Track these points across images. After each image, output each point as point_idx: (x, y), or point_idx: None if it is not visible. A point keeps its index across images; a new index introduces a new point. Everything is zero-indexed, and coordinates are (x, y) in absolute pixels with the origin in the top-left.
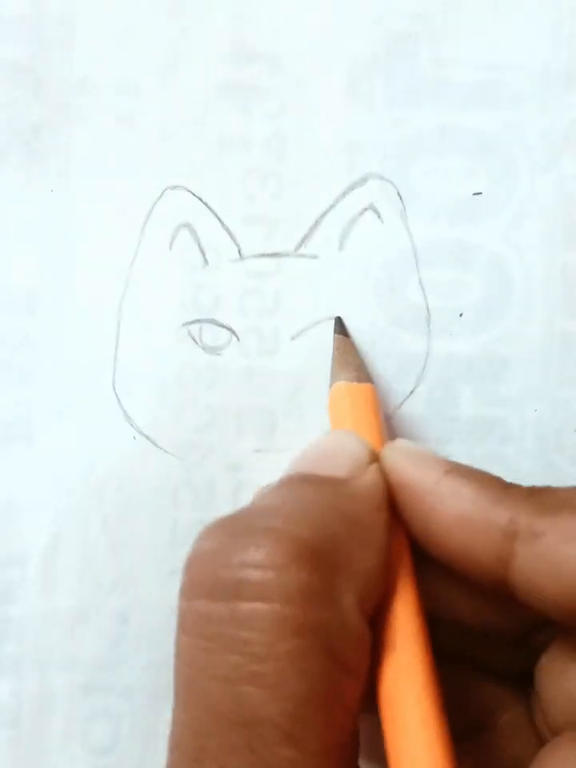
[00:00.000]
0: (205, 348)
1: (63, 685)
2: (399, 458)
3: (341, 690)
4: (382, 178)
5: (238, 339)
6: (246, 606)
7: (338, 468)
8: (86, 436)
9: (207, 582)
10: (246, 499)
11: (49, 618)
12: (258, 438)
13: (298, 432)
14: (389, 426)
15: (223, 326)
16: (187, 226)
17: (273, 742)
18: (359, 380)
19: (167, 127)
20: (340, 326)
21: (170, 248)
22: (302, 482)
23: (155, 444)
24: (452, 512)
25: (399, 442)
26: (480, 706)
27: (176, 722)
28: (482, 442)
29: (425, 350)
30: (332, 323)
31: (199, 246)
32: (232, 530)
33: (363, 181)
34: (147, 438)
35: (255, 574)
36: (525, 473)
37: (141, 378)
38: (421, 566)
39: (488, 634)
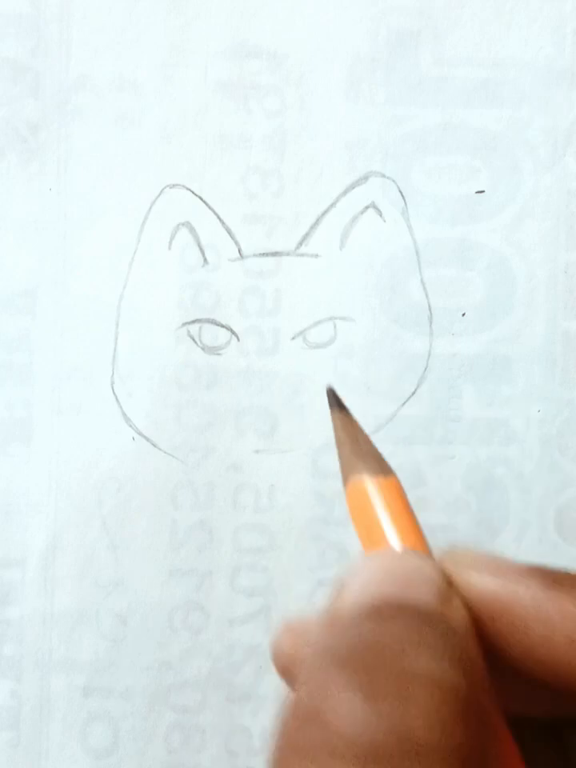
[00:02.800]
0: (204, 348)
1: (62, 686)
2: (486, 578)
3: None
4: (383, 176)
5: (238, 339)
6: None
7: (426, 595)
8: (85, 437)
9: (354, 742)
10: (246, 500)
11: (48, 620)
12: (258, 439)
13: (298, 432)
14: (389, 428)
15: (223, 326)
16: (186, 224)
17: None
18: (383, 472)
19: (166, 125)
20: (335, 399)
21: (169, 247)
22: (402, 613)
23: (155, 445)
24: (561, 632)
25: (467, 555)
26: None
27: None
28: (485, 443)
29: (427, 350)
30: (332, 324)
31: (199, 245)
32: (369, 671)
33: (364, 179)
34: (146, 438)
35: (422, 734)
36: (528, 473)
37: (140, 378)
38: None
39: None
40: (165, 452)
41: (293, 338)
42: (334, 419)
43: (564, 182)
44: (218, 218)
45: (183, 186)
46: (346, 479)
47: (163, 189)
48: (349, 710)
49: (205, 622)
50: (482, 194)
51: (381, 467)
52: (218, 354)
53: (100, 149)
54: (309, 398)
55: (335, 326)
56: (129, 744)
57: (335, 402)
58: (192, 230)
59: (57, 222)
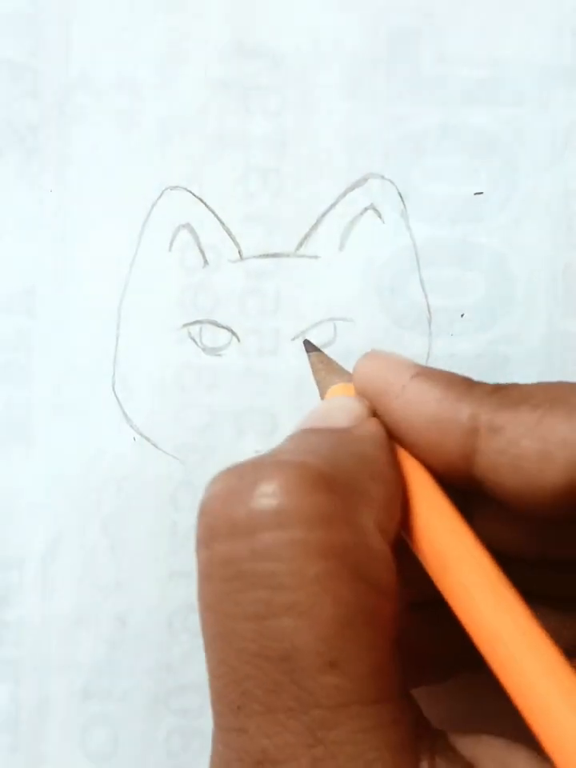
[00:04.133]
0: (205, 349)
1: (62, 689)
2: (369, 366)
3: (375, 611)
4: (382, 177)
5: (239, 340)
6: (267, 537)
7: (339, 422)
8: (85, 437)
9: (222, 524)
10: None
11: (47, 622)
12: (259, 439)
13: None
14: None
15: (223, 327)
16: (187, 226)
17: (315, 672)
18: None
19: (166, 126)
20: (311, 346)
21: (170, 248)
22: (305, 432)
23: (155, 445)
24: (419, 413)
25: (372, 352)
26: (566, 637)
27: (212, 676)
28: None
29: (426, 351)
30: (332, 325)
31: (199, 246)
32: (240, 471)
33: (364, 180)
34: (147, 439)
35: (271, 503)
36: None
37: (140, 379)
38: (473, 509)
39: (556, 562)
40: (165, 453)
41: (293, 339)
42: (310, 358)
43: (563, 183)
44: (219, 219)
45: (183, 187)
46: (322, 394)
47: (164, 190)
48: (218, 498)
49: None
50: (481, 194)
51: (348, 378)
52: (219, 355)
53: (100, 150)
54: (309, 398)
55: (335, 327)
56: (128, 747)
57: (311, 348)
58: (192, 231)
59: (57, 223)
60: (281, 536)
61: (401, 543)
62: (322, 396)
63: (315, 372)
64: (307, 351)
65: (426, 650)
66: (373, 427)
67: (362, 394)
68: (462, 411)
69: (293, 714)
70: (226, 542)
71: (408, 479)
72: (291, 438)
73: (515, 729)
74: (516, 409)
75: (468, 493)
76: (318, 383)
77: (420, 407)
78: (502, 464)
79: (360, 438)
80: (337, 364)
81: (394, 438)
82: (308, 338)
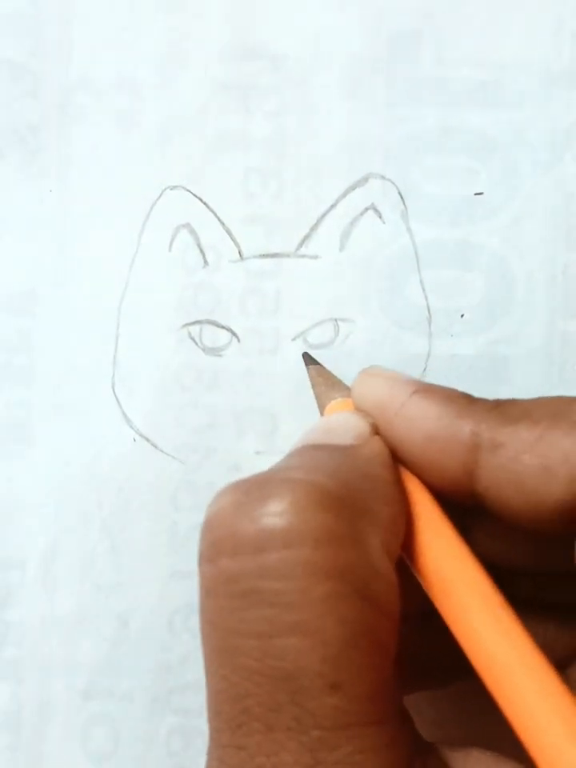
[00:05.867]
0: (205, 349)
1: (63, 689)
2: (368, 383)
3: (378, 632)
4: (383, 177)
5: (239, 340)
6: (273, 556)
7: (343, 439)
8: (85, 438)
9: (229, 540)
10: None
11: (48, 622)
12: (259, 440)
13: (298, 433)
14: None
15: (223, 327)
16: (187, 226)
17: (317, 692)
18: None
19: (166, 126)
20: (310, 359)
21: (170, 249)
22: (310, 449)
23: (155, 446)
24: (419, 430)
25: (371, 369)
26: (564, 645)
27: (212, 692)
28: None
29: (426, 351)
30: (333, 324)
31: (199, 246)
32: (246, 487)
33: (364, 180)
34: (147, 439)
35: (279, 522)
36: None
37: (140, 379)
38: (473, 524)
39: (554, 574)
40: (165, 453)
41: (293, 339)
42: (309, 372)
43: (563, 184)
44: (219, 219)
45: (183, 187)
46: (322, 408)
47: (164, 190)
48: (224, 515)
49: None
50: (481, 195)
51: (347, 393)
52: (219, 355)
53: (100, 150)
54: (309, 398)
55: (335, 327)
56: (129, 747)
57: (310, 361)
58: (192, 231)
59: (57, 224)
60: (288, 555)
61: (400, 558)
62: (321, 410)
63: (314, 386)
64: (306, 364)
65: (424, 657)
66: (377, 445)
67: (361, 411)
68: (463, 428)
69: (292, 734)
70: (232, 559)
71: (410, 498)
72: (295, 453)
73: (510, 738)
74: (516, 425)
75: (468, 507)
76: (317, 397)
77: (420, 424)
78: (503, 480)
79: (365, 456)
80: (336, 378)
81: (394, 456)
82: (307, 352)
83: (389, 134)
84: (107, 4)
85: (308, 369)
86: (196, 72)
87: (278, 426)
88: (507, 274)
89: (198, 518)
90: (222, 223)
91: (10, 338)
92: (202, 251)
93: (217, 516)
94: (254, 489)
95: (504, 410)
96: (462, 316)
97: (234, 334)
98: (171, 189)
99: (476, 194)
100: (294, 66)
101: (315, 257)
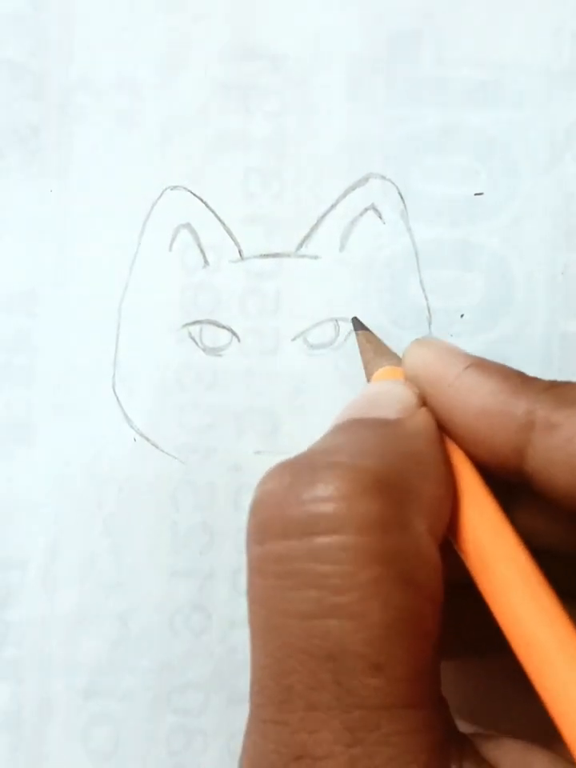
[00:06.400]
0: (205, 349)
1: (63, 689)
2: (422, 353)
3: (421, 616)
4: (383, 177)
5: (239, 340)
6: (322, 540)
7: (388, 411)
8: (86, 438)
9: (278, 522)
10: (247, 501)
11: (49, 622)
12: (259, 440)
13: (299, 433)
14: None
15: (224, 327)
16: (187, 226)
17: (359, 673)
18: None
19: (167, 126)
20: (359, 323)
21: (170, 248)
22: (355, 424)
23: (155, 446)
24: (472, 404)
25: (424, 339)
26: None
27: (256, 667)
28: None
29: None
30: (333, 324)
31: (199, 246)
32: (295, 469)
33: (364, 180)
34: (147, 439)
35: (328, 507)
36: None
37: (141, 379)
38: (518, 503)
39: None
40: (166, 453)
41: (293, 339)
42: (358, 337)
43: (563, 184)
44: (219, 219)
45: (184, 187)
46: (369, 375)
47: (164, 190)
48: (273, 497)
49: (206, 623)
50: (481, 195)
51: (396, 361)
52: (219, 355)
53: (101, 150)
54: (310, 398)
55: (335, 327)
56: (130, 747)
57: (360, 326)
58: (193, 231)
59: (57, 224)
60: (336, 540)
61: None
62: (369, 377)
63: (363, 352)
64: (355, 329)
65: (456, 627)
66: (424, 420)
67: (412, 380)
68: (518, 405)
69: (334, 712)
70: (281, 541)
71: (455, 474)
72: (341, 429)
73: (535, 717)
74: (573, 407)
75: (512, 485)
76: (365, 364)
77: (474, 398)
78: (555, 461)
79: (412, 432)
80: (385, 345)
81: (442, 428)
82: (356, 316)
83: (389, 133)
84: (107, 4)
85: (357, 334)
86: (196, 72)
87: (278, 425)
88: (507, 274)
89: (199, 517)
90: (223, 223)
91: (10, 337)
92: (202, 251)
93: (266, 498)
94: (303, 472)
95: (561, 391)
96: (462, 316)
97: (234, 333)
98: (171, 189)
99: (476, 194)
100: (294, 65)
101: (315, 257)
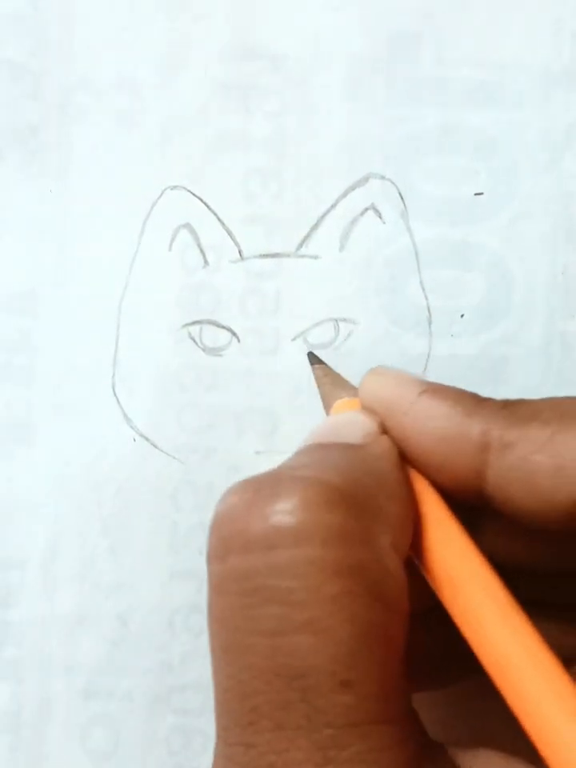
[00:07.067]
0: (205, 349)
1: (63, 689)
2: (377, 383)
3: (389, 630)
4: (383, 177)
5: (239, 340)
6: (284, 554)
7: (351, 438)
8: (85, 438)
9: (239, 537)
10: None
11: (48, 622)
12: (259, 440)
13: (299, 433)
14: None
15: (223, 327)
16: (187, 226)
17: (327, 690)
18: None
19: (167, 126)
20: (315, 358)
21: (170, 248)
22: (319, 447)
23: (155, 446)
24: (428, 430)
25: (378, 368)
26: (571, 645)
27: (220, 690)
28: None
29: (426, 351)
30: (333, 324)
31: (199, 246)
32: (257, 484)
33: (364, 180)
34: (147, 439)
35: (290, 520)
36: None
37: (141, 379)
38: (480, 523)
39: (561, 573)
40: (165, 453)
41: (293, 339)
42: (315, 371)
43: (562, 184)
44: (219, 219)
45: (184, 187)
46: (327, 407)
47: (164, 190)
48: (234, 512)
49: (206, 623)
50: (481, 195)
51: (353, 393)
52: (219, 355)
53: (100, 150)
54: (310, 398)
55: (335, 327)
56: (129, 747)
57: (315, 360)
58: (192, 231)
59: (57, 224)
60: (299, 553)
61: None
62: (327, 409)
63: (320, 385)
64: (311, 363)
65: (426, 655)
66: (386, 444)
67: (369, 410)
68: (473, 427)
69: (303, 731)
70: (242, 556)
71: (418, 497)
72: (304, 451)
73: (514, 737)
74: (527, 425)
75: (476, 507)
76: (323, 397)
77: (429, 423)
78: (513, 480)
79: (374, 454)
80: (341, 377)
81: (403, 455)
82: (312, 351)
83: (389, 133)
84: (107, 4)
85: (313, 368)
86: (196, 72)
87: (278, 426)
88: (507, 274)
89: (198, 517)
90: (222, 223)
91: (10, 337)
92: (202, 251)
93: (226, 513)
94: (264, 486)
95: (513, 410)
96: (462, 316)
97: (234, 333)
98: (171, 189)
99: (476, 194)
100: (294, 66)
101: (315, 257)
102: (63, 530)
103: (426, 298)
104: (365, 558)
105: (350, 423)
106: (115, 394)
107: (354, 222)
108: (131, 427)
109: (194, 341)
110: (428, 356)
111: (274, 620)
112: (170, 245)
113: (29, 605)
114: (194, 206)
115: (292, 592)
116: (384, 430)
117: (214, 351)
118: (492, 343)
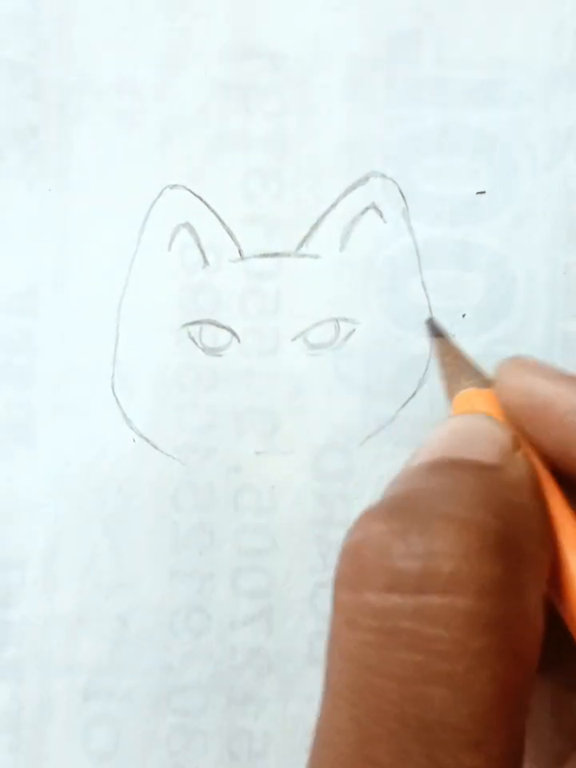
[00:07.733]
0: (205, 349)
1: (63, 689)
2: (524, 379)
3: (523, 689)
4: (384, 176)
5: (239, 340)
6: (436, 601)
7: (487, 455)
8: (85, 438)
9: (382, 572)
10: (247, 501)
11: (49, 622)
12: (259, 440)
13: (299, 433)
14: (390, 429)
15: (223, 327)
16: (187, 225)
17: (456, 749)
18: (485, 385)
19: (167, 126)
20: (435, 329)
21: (170, 248)
22: (455, 468)
23: (155, 446)
24: None
25: (520, 359)
26: None
27: (330, 729)
28: None
29: (427, 351)
30: (333, 324)
31: (199, 246)
32: (405, 514)
33: (365, 180)
34: (147, 440)
35: (446, 565)
36: None
37: (140, 379)
38: None
39: None
40: (165, 453)
41: (294, 339)
42: (436, 345)
43: (564, 183)
44: (219, 219)
45: (183, 186)
46: (451, 394)
47: (163, 189)
48: (378, 544)
49: (206, 624)
50: (483, 194)
51: (483, 382)
52: (219, 355)
53: (100, 150)
54: (310, 398)
55: (336, 327)
56: (130, 747)
57: (435, 332)
58: (192, 231)
59: (57, 223)
60: (451, 603)
61: None
62: (450, 397)
63: (442, 365)
64: (431, 335)
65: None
66: (524, 467)
67: (506, 409)
68: None
69: None
70: (383, 594)
71: (554, 524)
72: (438, 470)
73: None
74: None
75: None
76: (446, 378)
77: None
78: None
79: (517, 483)
80: (465, 357)
81: (563, 457)
82: (433, 318)
83: (389, 133)
84: (107, 4)
85: (434, 340)
86: (196, 72)
87: (278, 426)
88: (508, 274)
89: (198, 518)
90: (222, 223)
91: (10, 337)
92: (202, 251)
93: (367, 542)
94: (414, 520)
95: None
96: (463, 316)
97: (234, 333)
98: (171, 188)
99: (477, 194)
100: (294, 66)
101: (315, 256)
102: (63, 530)
103: (427, 298)
104: (514, 612)
105: (484, 437)
106: (115, 394)
107: (354, 221)
108: (131, 427)
109: (194, 341)
110: (429, 356)
111: (411, 666)
112: (170, 244)
113: (29, 605)
114: (194, 205)
115: (436, 641)
116: (518, 443)
117: (214, 351)
118: (493, 343)
